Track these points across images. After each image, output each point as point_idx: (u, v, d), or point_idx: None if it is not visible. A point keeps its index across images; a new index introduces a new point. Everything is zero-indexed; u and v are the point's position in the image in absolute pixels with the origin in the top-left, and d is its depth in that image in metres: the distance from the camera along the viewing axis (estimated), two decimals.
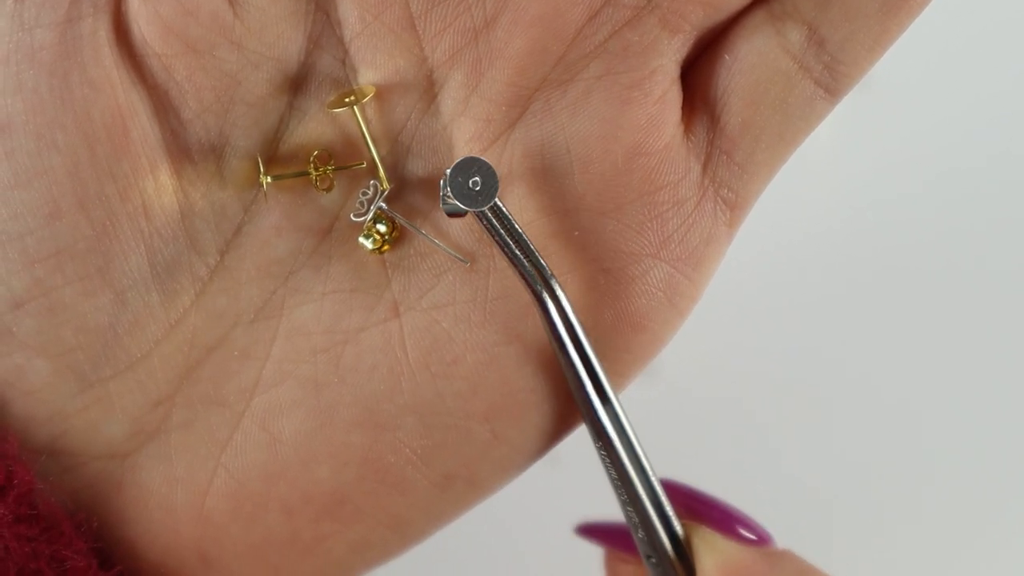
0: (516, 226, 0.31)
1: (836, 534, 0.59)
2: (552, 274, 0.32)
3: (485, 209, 0.31)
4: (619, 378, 0.33)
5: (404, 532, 0.33)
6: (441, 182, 0.32)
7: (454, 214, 0.32)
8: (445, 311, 0.32)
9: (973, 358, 0.63)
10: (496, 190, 0.31)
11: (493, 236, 0.31)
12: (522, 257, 0.31)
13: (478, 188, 0.31)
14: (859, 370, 0.63)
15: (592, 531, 0.37)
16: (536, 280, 0.32)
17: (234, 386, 0.33)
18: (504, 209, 0.31)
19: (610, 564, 0.37)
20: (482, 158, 0.31)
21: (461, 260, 0.32)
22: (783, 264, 0.64)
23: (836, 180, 0.64)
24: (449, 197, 0.31)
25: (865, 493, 0.62)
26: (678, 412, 0.61)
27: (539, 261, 0.31)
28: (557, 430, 0.33)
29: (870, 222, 0.64)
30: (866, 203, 0.64)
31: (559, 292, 0.32)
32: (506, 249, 0.31)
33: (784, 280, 0.64)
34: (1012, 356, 0.63)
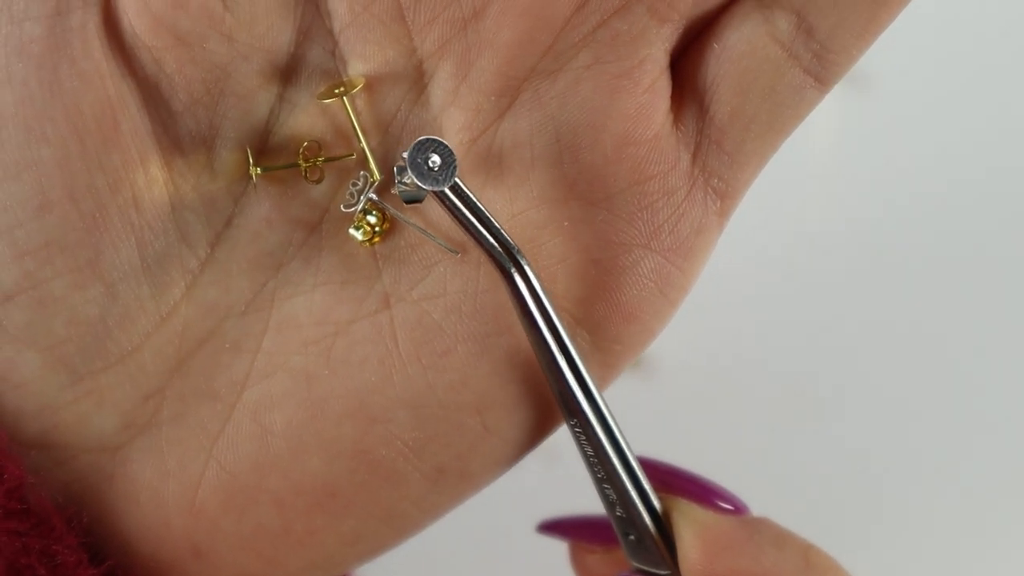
0: (478, 204, 0.31)
1: (827, 522, 0.59)
2: (519, 249, 0.32)
3: (445, 188, 0.31)
4: (609, 369, 0.33)
5: (397, 525, 0.33)
6: (395, 168, 0.31)
7: (412, 200, 0.32)
8: (436, 302, 0.32)
9: (970, 351, 0.63)
10: (456, 168, 0.31)
11: (456, 216, 0.31)
12: (486, 234, 0.31)
13: (436, 168, 0.31)
14: (853, 361, 0.63)
15: (554, 527, 0.37)
16: (503, 256, 0.31)
17: (225, 379, 0.32)
18: (464, 187, 0.31)
19: (576, 557, 0.37)
20: (437, 138, 0.31)
21: (451, 251, 0.32)
22: (778, 255, 0.64)
23: (835, 175, 0.64)
24: (404, 183, 0.31)
25: (858, 482, 0.62)
26: (666, 400, 0.61)
27: (504, 237, 0.31)
28: (549, 422, 0.33)
29: (868, 217, 0.64)
30: (865, 198, 0.65)
31: (526, 267, 0.31)
32: (470, 227, 0.31)
33: (779, 270, 0.64)
34: (1007, 347, 0.63)
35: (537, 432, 0.33)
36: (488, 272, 0.32)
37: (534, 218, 0.32)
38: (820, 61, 0.32)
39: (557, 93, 0.32)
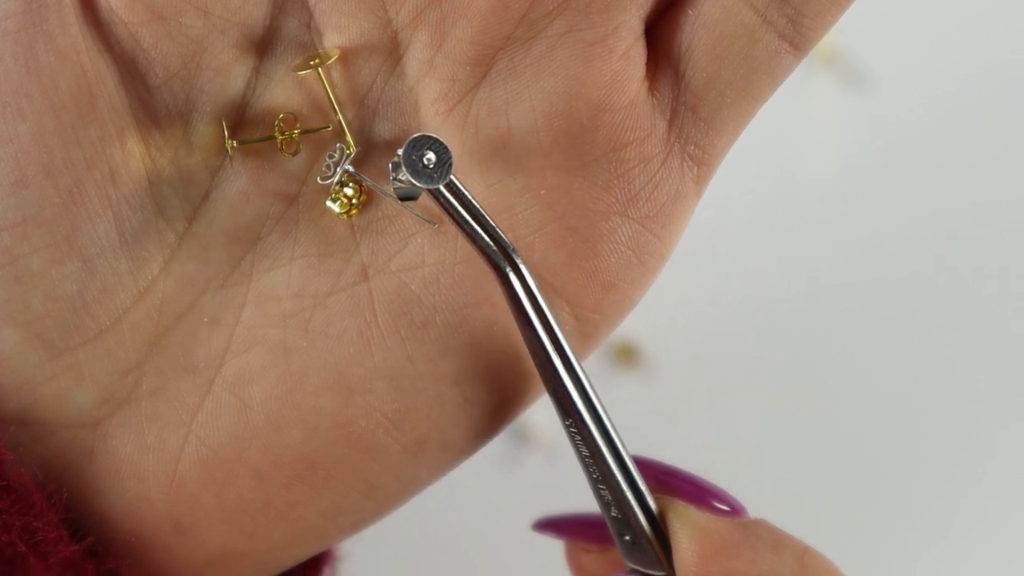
0: (473, 201, 0.31)
1: (823, 520, 0.59)
2: (514, 248, 0.31)
3: (441, 186, 0.31)
4: (588, 340, 0.33)
5: (377, 498, 0.33)
6: (390, 165, 0.31)
7: (406, 197, 0.31)
8: (414, 274, 0.32)
9: (971, 348, 0.63)
10: (451, 166, 0.31)
11: (451, 213, 0.31)
12: (482, 232, 0.31)
13: (432, 165, 0.31)
14: (854, 360, 0.63)
15: (550, 525, 0.36)
16: (498, 255, 0.31)
17: (204, 352, 0.32)
18: (460, 184, 0.31)
19: (572, 555, 0.36)
20: (433, 135, 0.31)
21: (429, 222, 0.32)
22: (779, 256, 0.64)
23: (835, 174, 0.64)
24: (399, 181, 0.31)
25: (856, 481, 0.62)
26: (664, 400, 0.61)
27: (499, 235, 0.31)
28: (528, 393, 0.33)
29: (869, 216, 0.64)
30: (865, 197, 0.65)
31: (522, 266, 0.31)
32: (465, 226, 0.31)
33: (779, 271, 0.64)
34: (1009, 345, 0.63)
35: (517, 403, 0.33)
36: (466, 243, 0.32)
37: (510, 187, 0.32)
38: (795, 26, 0.32)
39: (532, 61, 0.32)
